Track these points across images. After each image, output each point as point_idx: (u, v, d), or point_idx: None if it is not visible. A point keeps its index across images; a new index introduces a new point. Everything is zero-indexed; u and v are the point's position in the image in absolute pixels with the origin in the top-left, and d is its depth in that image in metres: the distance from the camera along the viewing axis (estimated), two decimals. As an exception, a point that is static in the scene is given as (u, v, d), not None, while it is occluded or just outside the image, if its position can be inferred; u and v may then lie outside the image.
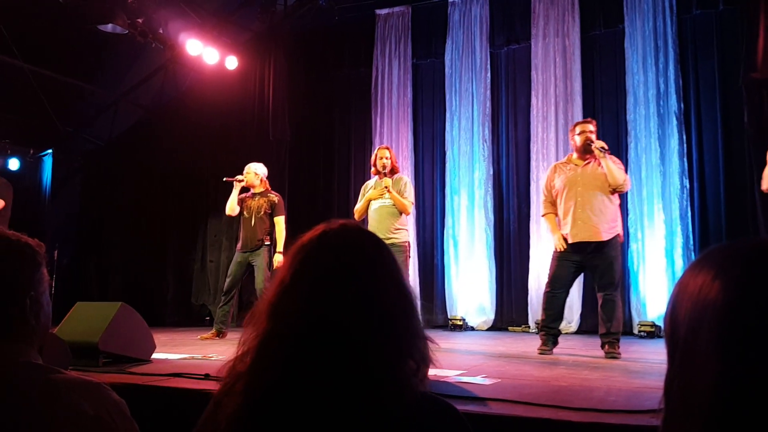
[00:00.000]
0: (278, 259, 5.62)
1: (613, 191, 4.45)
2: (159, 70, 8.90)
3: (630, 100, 6.73)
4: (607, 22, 7.05)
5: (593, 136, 4.54)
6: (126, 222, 9.23)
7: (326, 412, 0.88)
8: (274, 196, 5.86)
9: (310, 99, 8.44)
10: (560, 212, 4.56)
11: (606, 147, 4.46)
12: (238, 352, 0.98)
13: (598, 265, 4.40)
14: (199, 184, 8.64)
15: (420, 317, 1.01)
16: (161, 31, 7.40)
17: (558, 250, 4.50)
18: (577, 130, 4.59)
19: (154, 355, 3.73)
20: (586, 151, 4.52)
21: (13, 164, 8.83)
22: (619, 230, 4.47)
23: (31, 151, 9.14)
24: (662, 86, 6.58)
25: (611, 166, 4.40)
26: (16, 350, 1.17)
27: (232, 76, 8.17)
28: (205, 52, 7.68)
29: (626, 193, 6.52)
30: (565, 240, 4.46)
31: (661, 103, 6.57)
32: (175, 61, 8.27)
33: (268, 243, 5.73)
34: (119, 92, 9.11)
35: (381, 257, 1.00)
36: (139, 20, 7.03)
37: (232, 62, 7.99)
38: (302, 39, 8.44)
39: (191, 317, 8.57)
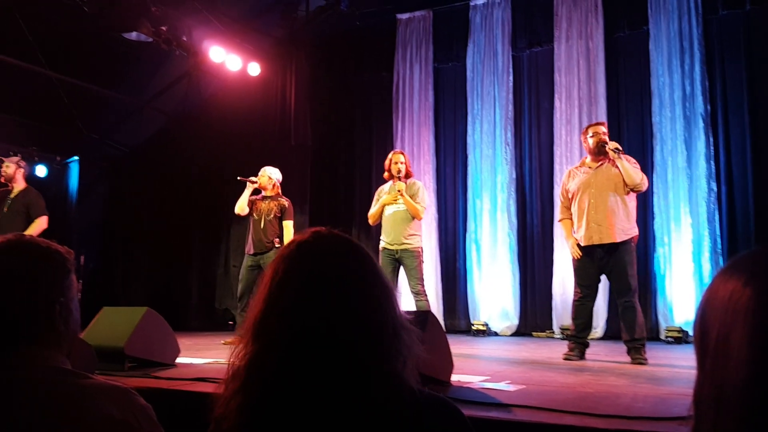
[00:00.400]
0: None
1: (630, 191, 4.40)
2: (183, 77, 9.00)
3: (655, 102, 6.65)
4: (632, 24, 6.98)
5: (606, 138, 4.51)
6: (150, 227, 9.35)
7: (321, 419, 0.89)
8: (285, 201, 5.91)
9: (332, 104, 8.48)
10: (574, 215, 4.54)
11: (620, 148, 4.42)
12: (231, 368, 1.00)
13: (612, 269, 4.37)
14: (222, 189, 8.71)
15: (401, 312, 1.01)
16: (185, 39, 7.50)
17: (575, 257, 4.50)
18: (590, 132, 4.57)
19: (179, 360, 3.77)
20: (599, 152, 4.50)
21: (41, 171, 8.98)
22: (634, 233, 4.43)
23: (58, 158, 9.29)
24: (688, 88, 6.49)
25: (626, 166, 4.37)
26: (46, 355, 1.19)
27: (255, 82, 8.25)
28: (227, 59, 7.76)
29: (652, 196, 6.49)
30: (579, 245, 4.44)
31: (687, 105, 6.48)
32: (199, 68, 8.36)
33: (278, 246, 5.76)
34: (143, 99, 9.24)
35: (358, 261, 1.01)
36: (163, 28, 7.13)
37: (254, 69, 8.07)
38: (323, 44, 8.49)
39: (215, 322, 8.65)
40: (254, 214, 5.84)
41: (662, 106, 6.60)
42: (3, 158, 6.05)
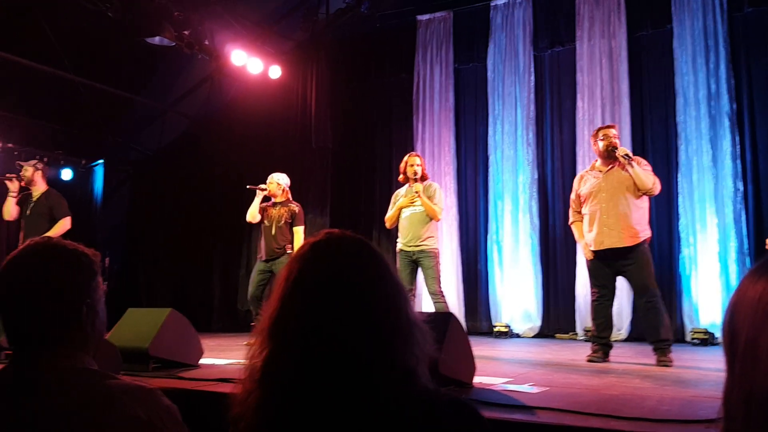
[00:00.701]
0: None
1: (642, 195, 4.36)
2: (205, 80, 9.10)
3: (680, 101, 6.56)
4: (655, 23, 6.90)
5: (617, 141, 4.48)
6: (173, 229, 9.45)
7: (334, 419, 0.90)
8: (295, 206, 5.91)
9: (352, 106, 8.51)
10: (586, 220, 4.52)
11: (629, 153, 4.36)
12: (247, 368, 1.01)
13: (628, 272, 4.34)
14: (243, 192, 8.75)
15: (414, 314, 1.01)
16: (207, 43, 7.57)
17: (587, 258, 4.49)
18: (600, 135, 4.54)
19: (202, 360, 3.80)
20: (609, 156, 4.46)
21: (66, 174, 9.13)
22: (647, 235, 4.38)
23: (83, 162, 9.44)
24: (713, 87, 6.40)
25: (638, 171, 4.32)
26: (73, 356, 1.21)
27: (276, 85, 8.30)
28: (249, 63, 7.82)
29: (677, 197, 6.41)
30: (592, 250, 4.42)
31: (713, 104, 6.39)
32: (221, 71, 8.44)
33: (290, 251, 5.75)
34: (166, 103, 9.35)
35: (370, 261, 1.01)
36: (186, 32, 7.20)
37: (275, 72, 8.12)
38: (344, 46, 8.52)
39: (237, 323, 8.69)
40: (265, 221, 5.87)
41: (687, 105, 6.51)
42: (21, 163, 6.13)
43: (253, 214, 5.90)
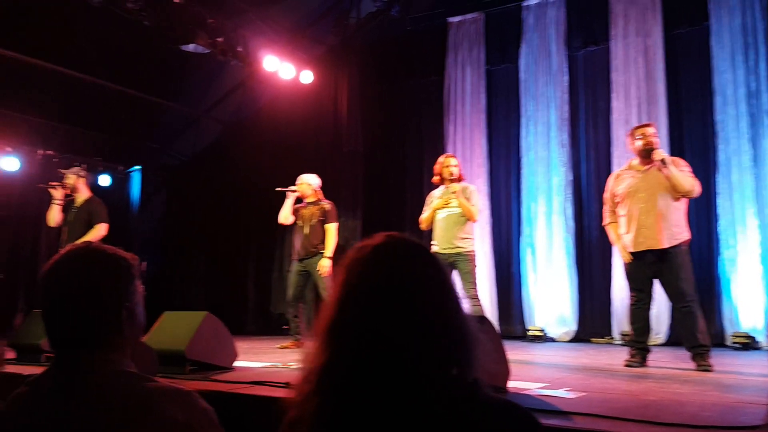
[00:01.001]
0: (325, 264, 5.72)
1: (680, 197, 4.27)
2: (238, 86, 9.24)
3: (718, 100, 6.41)
4: (692, 20, 6.76)
5: (655, 140, 4.37)
6: (208, 233, 9.60)
7: (391, 424, 0.90)
8: (326, 204, 5.95)
9: (383, 109, 8.51)
10: (622, 220, 4.42)
11: (666, 159, 4.25)
12: (304, 371, 1.00)
13: (665, 275, 4.24)
14: (276, 195, 8.83)
15: (470, 320, 1.01)
16: (240, 49, 7.66)
17: (625, 261, 4.40)
18: (637, 134, 4.44)
19: (236, 363, 3.84)
20: (647, 155, 4.36)
21: (105, 180, 9.34)
22: (686, 236, 4.28)
23: (121, 168, 9.66)
24: (753, 84, 6.24)
25: (676, 174, 4.21)
26: (113, 359, 1.24)
27: (307, 89, 8.38)
28: (281, 68, 7.90)
29: (716, 197, 6.26)
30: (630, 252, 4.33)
31: (753, 102, 6.22)
32: (253, 77, 8.56)
33: (323, 250, 5.79)
34: (201, 109, 9.51)
35: (430, 266, 1.01)
36: (220, 39, 7.31)
37: (307, 76, 8.19)
38: (374, 50, 8.54)
39: (270, 326, 8.77)
40: (298, 222, 5.93)
41: (725, 104, 6.35)
42: (63, 171, 6.28)
43: (285, 216, 5.96)
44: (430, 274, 1.00)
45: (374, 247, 1.02)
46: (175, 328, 3.66)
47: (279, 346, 5.79)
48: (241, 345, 4.18)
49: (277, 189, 6.05)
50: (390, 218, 8.24)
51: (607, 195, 4.60)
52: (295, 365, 4.04)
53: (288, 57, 7.99)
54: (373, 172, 8.52)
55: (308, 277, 5.86)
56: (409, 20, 8.03)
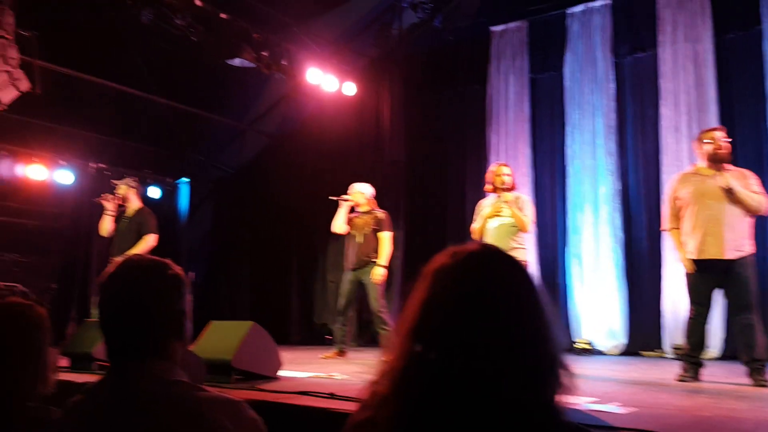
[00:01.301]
0: (379, 272, 5.72)
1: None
2: (282, 99, 9.38)
3: (772, 105, 6.20)
4: (743, 24, 6.56)
5: (724, 143, 4.22)
6: (253, 244, 9.77)
7: None
8: (380, 213, 5.97)
9: (425, 119, 8.52)
10: (686, 226, 4.24)
11: (732, 187, 4.07)
12: (378, 375, 0.98)
13: (730, 286, 4.08)
14: (319, 206, 8.93)
15: (558, 342, 0.98)
16: (284, 63, 7.78)
17: (688, 271, 4.23)
18: (706, 138, 4.30)
19: (281, 373, 3.87)
20: (715, 160, 4.22)
21: (154, 192, 9.59)
22: (752, 249, 4.11)
23: (169, 180, 9.91)
24: (810, 89, 6.02)
25: (743, 196, 4.05)
26: (165, 368, 1.27)
27: (350, 101, 8.43)
28: (324, 80, 7.98)
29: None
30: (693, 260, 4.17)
31: (809, 107, 6.00)
32: (297, 90, 8.67)
33: (376, 259, 5.78)
34: (246, 122, 9.69)
35: (523, 282, 0.98)
36: (264, 53, 7.45)
37: (349, 88, 8.25)
38: (416, 60, 8.56)
39: (314, 336, 8.85)
40: (352, 231, 5.95)
41: (780, 110, 6.14)
42: (115, 182, 6.48)
43: (339, 225, 5.98)
44: (522, 286, 0.98)
45: (469, 253, 0.99)
46: (221, 338, 3.72)
47: (322, 356, 5.82)
48: (285, 354, 4.21)
49: (330, 198, 6.08)
50: (432, 228, 8.23)
51: (668, 198, 4.42)
52: (338, 376, 4.06)
53: (331, 69, 8.07)
54: (416, 182, 8.53)
55: (360, 286, 5.86)
56: (451, 30, 8.02)
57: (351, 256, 5.90)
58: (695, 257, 4.15)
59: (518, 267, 1.00)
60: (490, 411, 0.88)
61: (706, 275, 4.14)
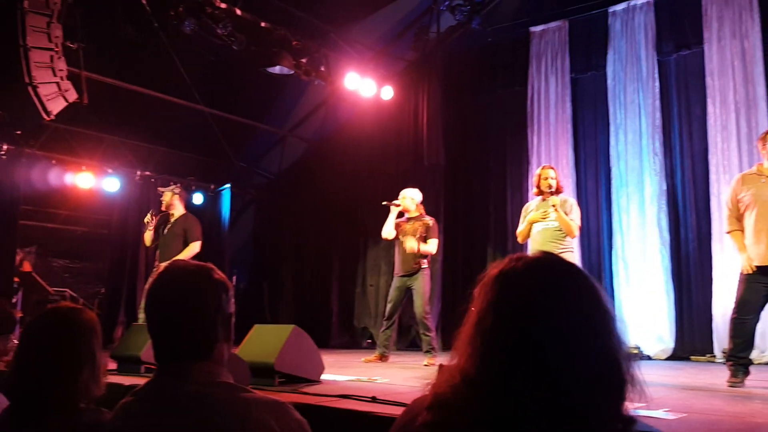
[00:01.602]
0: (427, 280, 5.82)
1: None
2: (321, 105, 9.48)
3: (826, 100, 5.97)
4: (794, 17, 6.35)
5: None
6: (294, 249, 9.91)
7: None
8: (429, 220, 5.96)
9: (465, 121, 8.47)
10: (747, 229, 4.11)
11: None
12: (443, 378, 0.98)
13: None
14: (358, 211, 9.01)
15: (626, 350, 0.99)
16: (323, 69, 7.86)
17: (745, 272, 4.09)
18: None
19: (323, 376, 3.90)
20: None
21: (197, 199, 9.81)
22: None
23: (212, 186, 10.12)
24: None
25: None
26: (212, 371, 1.31)
27: (388, 105, 8.47)
28: (362, 85, 8.03)
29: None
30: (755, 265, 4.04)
31: None
32: (335, 95, 8.75)
33: (425, 266, 5.78)
34: (286, 128, 9.82)
35: (590, 288, 1.00)
36: (303, 60, 7.54)
37: (387, 92, 8.29)
38: (455, 62, 8.53)
39: (354, 339, 8.91)
40: (400, 236, 5.94)
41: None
42: (161, 189, 6.65)
43: (389, 231, 5.97)
44: (589, 291, 0.99)
45: (536, 258, 1.02)
46: (264, 341, 3.76)
47: (363, 359, 5.84)
48: (327, 358, 4.24)
49: (383, 203, 6.10)
50: (473, 233, 8.20)
51: (729, 199, 4.30)
52: (379, 379, 4.07)
53: (369, 74, 8.11)
54: (455, 186, 8.48)
55: (407, 292, 5.86)
56: (489, 32, 7.97)
57: (399, 262, 5.91)
58: (757, 263, 4.03)
59: (581, 272, 1.02)
60: (560, 413, 0.89)
61: (763, 279, 4.02)
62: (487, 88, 8.38)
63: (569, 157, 7.43)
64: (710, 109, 6.58)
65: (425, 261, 5.79)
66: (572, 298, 0.97)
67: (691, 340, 6.61)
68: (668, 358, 6.58)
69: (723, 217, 4.36)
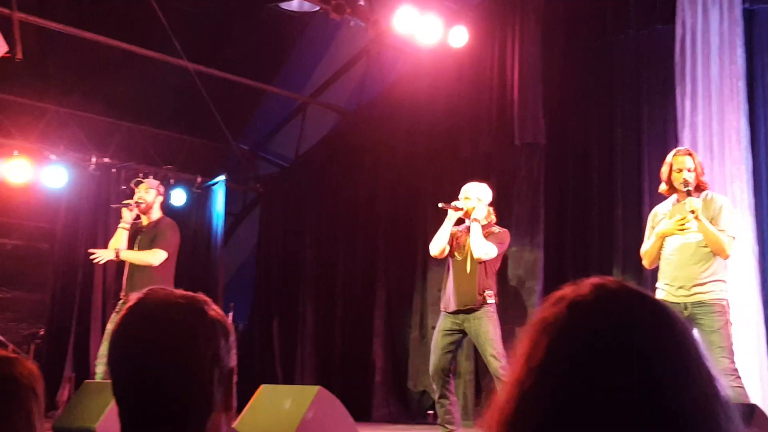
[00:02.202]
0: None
1: None
2: (357, 59, 9.41)
3: None
4: None
5: None
6: (318, 270, 9.84)
7: None
8: (497, 230, 6.00)
9: (576, 80, 8.35)
10: None
11: None
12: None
13: None
14: (414, 214, 8.90)
15: (730, 410, 0.98)
16: (362, 3, 7.74)
17: None
18: None
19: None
20: None
21: (178, 198, 9.74)
22: None
23: (199, 179, 10.07)
24: None
25: None
26: None
27: (459, 56, 8.44)
28: (420, 26, 7.90)
29: None
30: None
31: None
32: (380, 43, 8.65)
33: (492, 300, 5.75)
34: (307, 93, 9.75)
35: (669, 331, 1.02)
36: (333, -10, 7.45)
37: (458, 36, 8.16)
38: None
39: (408, 408, 8.85)
40: (456, 254, 5.88)
41: None
42: (142, 180, 6.62)
43: (440, 245, 5.89)
44: (668, 338, 1.01)
45: (582, 301, 1.03)
46: (275, 410, 3.87)
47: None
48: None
49: (439, 206, 6.02)
50: (587, 248, 8.05)
51: None
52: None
53: (431, 9, 7.97)
54: (561, 176, 8.37)
55: (462, 339, 5.85)
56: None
57: (452, 292, 5.85)
58: None
59: (657, 308, 1.04)
60: None
61: None
62: (614, 30, 8.20)
63: (742, 131, 7.18)
64: None
65: (491, 294, 5.74)
66: (648, 349, 0.99)
67: None
68: None
69: None
